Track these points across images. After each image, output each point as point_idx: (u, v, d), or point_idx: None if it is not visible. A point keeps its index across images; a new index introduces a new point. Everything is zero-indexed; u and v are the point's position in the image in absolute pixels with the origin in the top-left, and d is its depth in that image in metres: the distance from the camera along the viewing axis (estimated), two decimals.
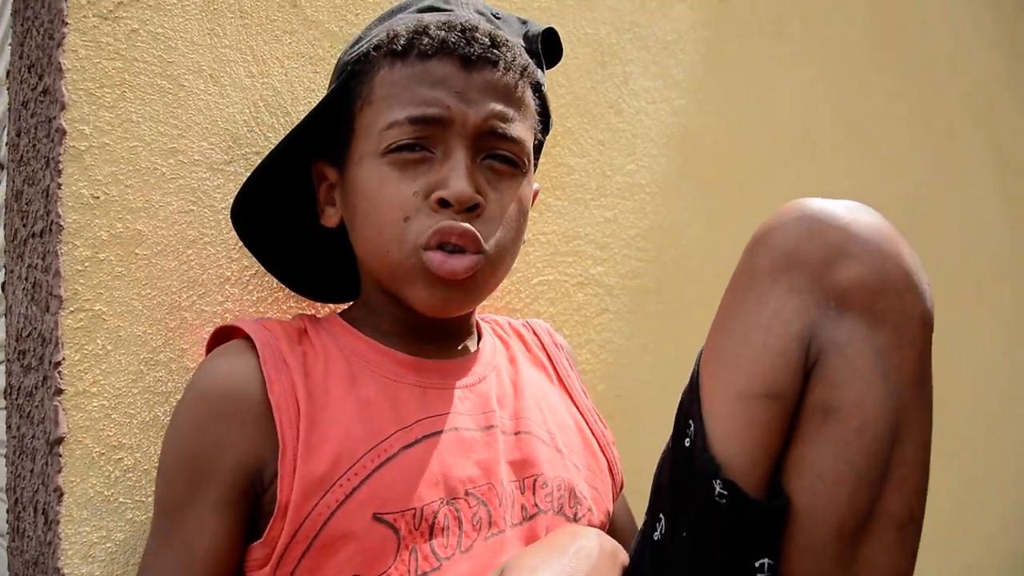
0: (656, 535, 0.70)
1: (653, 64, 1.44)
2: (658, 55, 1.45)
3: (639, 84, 1.40)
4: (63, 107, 0.80)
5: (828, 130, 1.80)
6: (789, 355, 0.65)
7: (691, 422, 0.68)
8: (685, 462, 0.68)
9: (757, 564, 0.63)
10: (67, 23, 0.81)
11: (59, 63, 0.80)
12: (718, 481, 0.64)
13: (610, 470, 0.90)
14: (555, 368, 0.96)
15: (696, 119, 1.50)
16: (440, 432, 0.77)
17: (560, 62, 1.22)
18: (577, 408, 0.93)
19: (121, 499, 0.80)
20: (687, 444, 0.68)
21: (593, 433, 0.92)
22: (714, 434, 0.66)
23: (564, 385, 0.95)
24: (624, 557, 0.73)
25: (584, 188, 1.28)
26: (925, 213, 2.04)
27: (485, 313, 1.10)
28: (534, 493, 0.79)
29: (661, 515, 0.70)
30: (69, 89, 0.80)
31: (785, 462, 0.66)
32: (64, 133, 0.80)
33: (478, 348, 0.89)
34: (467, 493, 0.75)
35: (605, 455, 0.90)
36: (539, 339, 0.99)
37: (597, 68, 1.33)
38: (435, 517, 0.73)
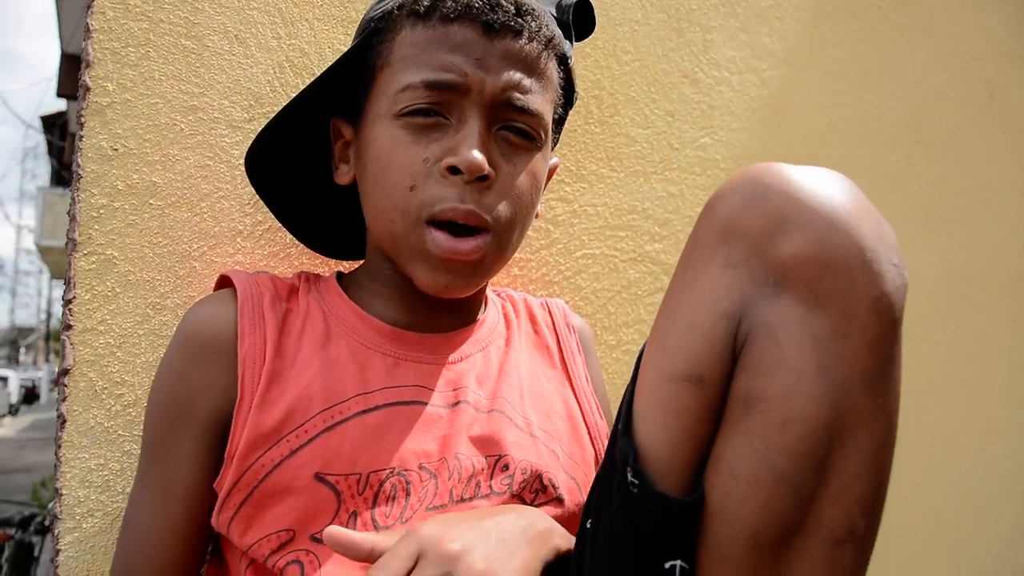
0: (588, 524, 0.66)
1: (741, 32, 1.35)
2: (748, 23, 1.36)
3: (722, 53, 1.33)
4: (88, 65, 0.86)
5: (953, 113, 1.63)
6: (714, 335, 0.58)
7: (622, 406, 0.64)
8: (611, 447, 0.64)
9: (667, 566, 0.57)
10: None
11: (87, 23, 0.86)
12: (630, 468, 0.59)
13: (597, 461, 0.86)
14: (561, 351, 0.93)
15: (789, 93, 1.40)
16: (403, 403, 0.77)
17: (626, 28, 1.18)
18: (575, 395, 0.90)
19: (120, 431, 0.85)
20: (618, 430, 0.64)
21: (586, 422, 0.88)
22: (638, 417, 0.61)
23: (567, 370, 0.92)
24: (562, 543, 0.70)
25: (646, 160, 1.23)
26: None
27: (515, 285, 1.09)
28: (492, 476, 0.77)
29: (591, 503, 0.66)
30: (95, 48, 0.86)
31: (709, 456, 0.59)
32: (88, 89, 0.86)
33: (476, 325, 0.87)
34: (420, 466, 0.74)
35: (594, 446, 0.87)
36: (552, 319, 0.96)
37: (672, 35, 1.27)
38: (381, 485, 0.72)
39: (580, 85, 1.16)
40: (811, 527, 0.56)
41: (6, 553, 5.63)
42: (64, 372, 0.83)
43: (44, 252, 16.21)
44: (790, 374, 0.55)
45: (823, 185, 0.58)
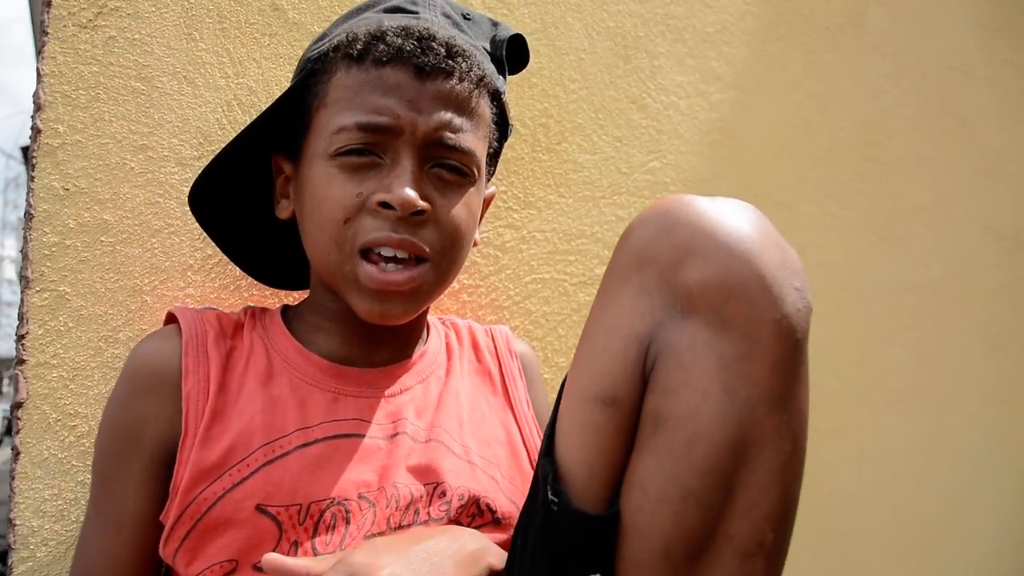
0: (518, 542, 0.69)
1: (689, 57, 1.40)
2: (696, 48, 1.41)
3: (670, 78, 1.37)
4: (39, 108, 0.89)
5: (910, 132, 1.68)
6: (626, 358, 0.62)
7: (547, 428, 0.68)
8: (537, 471, 0.68)
9: None
10: (47, 32, 0.90)
11: (39, 69, 0.89)
12: (550, 487, 0.63)
13: None
14: (503, 377, 0.96)
15: (738, 116, 1.44)
16: (342, 436, 0.80)
17: (573, 57, 1.22)
18: (516, 420, 0.93)
19: (74, 462, 0.88)
20: (541, 453, 0.67)
21: (527, 447, 0.91)
22: (559, 438, 0.65)
23: (508, 396, 0.95)
24: (496, 562, 0.73)
25: (595, 185, 1.27)
26: None
27: (465, 311, 1.12)
28: (430, 504, 0.80)
29: (520, 523, 0.70)
30: (46, 92, 0.89)
31: (624, 473, 0.63)
32: (39, 131, 0.89)
33: (417, 356, 0.90)
34: (360, 496, 0.77)
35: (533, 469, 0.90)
36: (495, 346, 0.99)
37: (619, 62, 1.31)
38: (321, 515, 0.75)
39: (527, 114, 1.21)
40: (721, 541, 0.59)
41: None
42: (18, 405, 0.86)
43: None
44: (696, 394, 0.59)
45: (728, 216, 0.62)
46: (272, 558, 0.67)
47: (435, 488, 0.81)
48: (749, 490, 0.59)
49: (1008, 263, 1.80)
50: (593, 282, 1.25)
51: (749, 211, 0.63)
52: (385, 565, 0.66)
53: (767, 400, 0.59)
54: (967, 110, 1.78)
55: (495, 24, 0.90)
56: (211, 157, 0.95)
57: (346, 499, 0.76)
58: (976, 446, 1.73)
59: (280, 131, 0.85)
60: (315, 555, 0.74)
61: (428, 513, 0.79)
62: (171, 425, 0.78)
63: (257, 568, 0.73)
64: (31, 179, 0.88)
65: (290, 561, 0.67)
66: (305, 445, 0.78)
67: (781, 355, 0.59)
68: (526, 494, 0.86)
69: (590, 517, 0.62)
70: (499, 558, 0.74)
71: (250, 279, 0.97)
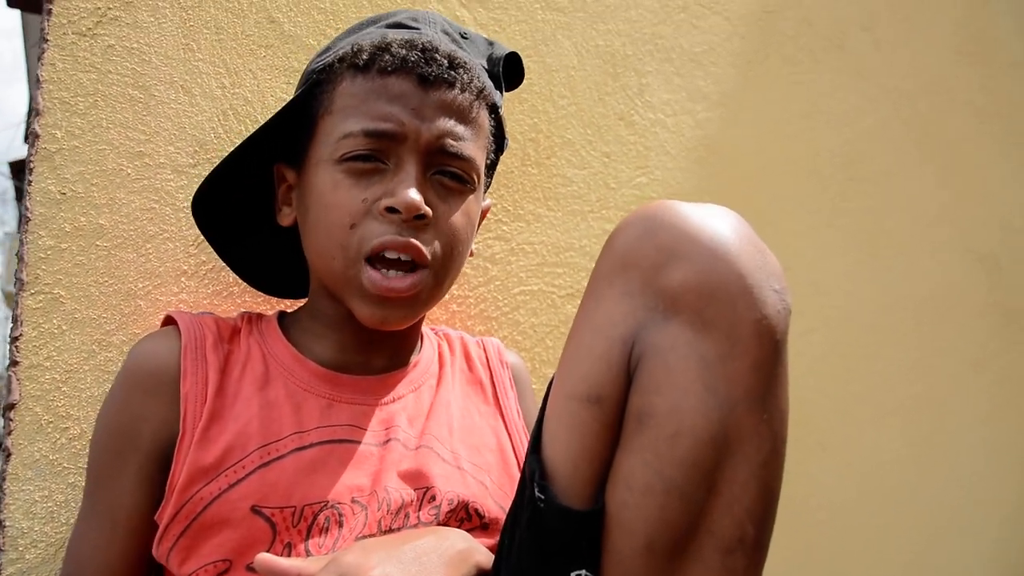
0: (506, 540, 0.71)
1: (676, 76, 1.43)
2: (683, 67, 1.43)
3: (657, 96, 1.40)
4: (38, 114, 0.90)
5: (890, 152, 1.71)
6: (611, 358, 0.63)
7: (534, 429, 0.69)
8: (524, 470, 0.69)
9: (573, 575, 0.63)
10: (47, 40, 0.92)
11: (38, 75, 0.91)
12: (536, 484, 0.64)
13: None
14: (494, 387, 0.98)
15: (723, 134, 1.47)
16: (336, 441, 0.81)
17: (563, 74, 1.25)
18: (507, 428, 0.95)
19: (65, 464, 0.89)
20: (528, 452, 0.69)
21: (516, 454, 0.93)
22: (545, 437, 0.66)
23: (499, 405, 0.97)
24: (483, 560, 0.74)
25: (583, 200, 1.29)
26: (1018, 246, 1.90)
27: (455, 322, 1.14)
28: (421, 508, 0.81)
29: (508, 522, 0.71)
30: (45, 98, 0.91)
31: (609, 470, 0.64)
32: (38, 136, 0.90)
33: (410, 366, 0.92)
34: (353, 500, 0.79)
35: None
36: (487, 357, 1.01)
37: (608, 80, 1.34)
38: (315, 517, 0.77)
39: (517, 129, 1.23)
40: (703, 536, 0.61)
41: None
42: (10, 407, 0.87)
43: (9, 298, 16.04)
44: (679, 392, 0.61)
45: (709, 220, 0.64)
46: (264, 558, 0.68)
47: (425, 493, 0.82)
48: (730, 485, 0.61)
49: (987, 283, 1.83)
50: (581, 294, 1.26)
51: (729, 216, 0.66)
52: (376, 565, 0.67)
53: (747, 399, 0.61)
54: (946, 133, 1.82)
55: (491, 43, 0.92)
56: (207, 165, 0.97)
57: (339, 502, 0.77)
58: (961, 461, 1.75)
59: (282, 140, 0.87)
60: (308, 556, 0.75)
61: (418, 517, 0.80)
62: (168, 425, 0.79)
63: (250, 568, 0.74)
64: (28, 183, 0.89)
65: (282, 561, 0.68)
66: (300, 449, 0.79)
67: (761, 355, 0.61)
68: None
69: (576, 513, 0.63)
70: (487, 557, 0.75)
71: (243, 285, 0.99)
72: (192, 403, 0.79)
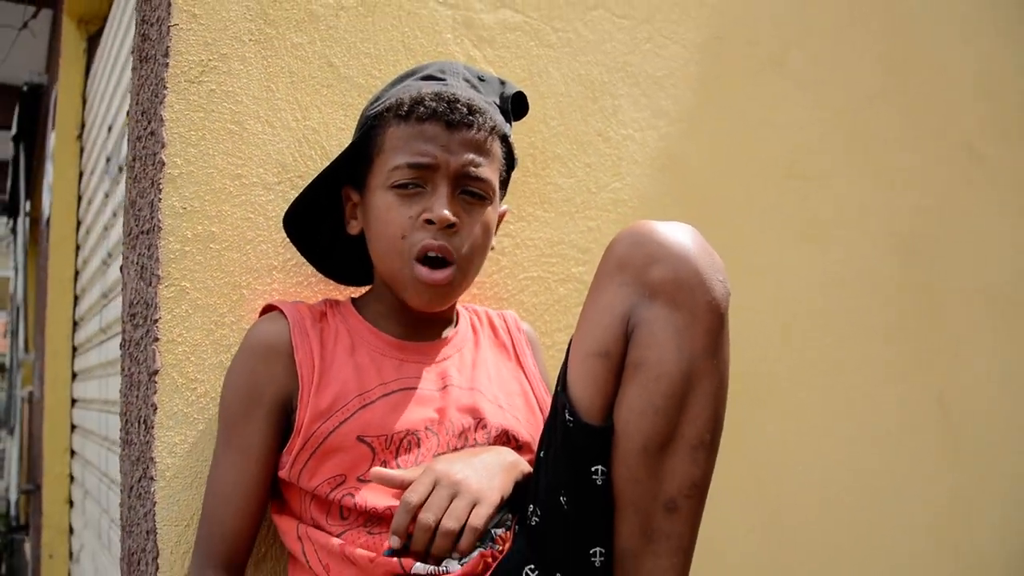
0: (541, 454, 1.00)
1: (643, 97, 1.72)
2: (648, 89, 1.73)
3: (628, 115, 1.69)
4: (163, 145, 1.17)
5: (826, 154, 2.03)
6: (615, 327, 0.93)
7: (560, 374, 0.99)
8: (554, 402, 0.99)
9: (592, 470, 0.93)
10: (167, 86, 1.18)
11: (161, 114, 1.17)
12: (567, 411, 0.94)
13: (542, 423, 1.21)
14: (515, 348, 1.28)
15: (683, 145, 1.77)
16: (409, 389, 1.11)
17: (553, 99, 1.53)
18: (527, 379, 1.25)
19: (195, 415, 1.16)
20: (558, 391, 0.98)
21: (536, 398, 1.23)
22: (570, 380, 0.96)
23: (520, 362, 1.27)
24: (526, 468, 1.05)
25: (570, 203, 1.58)
26: (936, 231, 2.24)
27: (477, 302, 1.43)
28: (475, 432, 1.11)
29: (543, 441, 1.01)
30: (167, 133, 1.17)
31: (615, 400, 0.94)
32: (164, 163, 1.16)
33: (452, 334, 1.21)
34: (426, 428, 1.08)
35: (541, 413, 1.21)
36: (507, 325, 1.31)
37: (588, 103, 1.63)
38: (401, 441, 1.07)
39: (518, 146, 1.51)
40: (678, 439, 0.92)
41: None
42: (154, 372, 1.13)
43: None
44: (660, 348, 0.91)
45: (678, 234, 0.94)
46: (378, 470, 0.98)
47: (478, 422, 1.11)
48: (694, 407, 0.92)
49: (905, 263, 2.18)
50: (571, 279, 1.56)
51: (690, 231, 0.96)
52: (458, 470, 0.97)
53: (703, 352, 0.92)
54: (873, 132, 2.15)
55: (503, 83, 1.21)
56: (288, 183, 1.24)
57: (417, 430, 1.07)
58: (878, 413, 2.09)
59: (348, 170, 1.15)
60: (399, 469, 1.04)
61: (475, 439, 1.10)
62: (285, 385, 1.08)
63: (360, 479, 1.03)
64: (159, 199, 1.15)
65: (392, 472, 0.98)
66: (385, 395, 1.08)
67: (711, 323, 0.92)
68: (536, 430, 1.18)
69: (595, 428, 0.93)
70: (528, 467, 1.06)
71: (319, 277, 1.26)
72: (306, 368, 1.07)
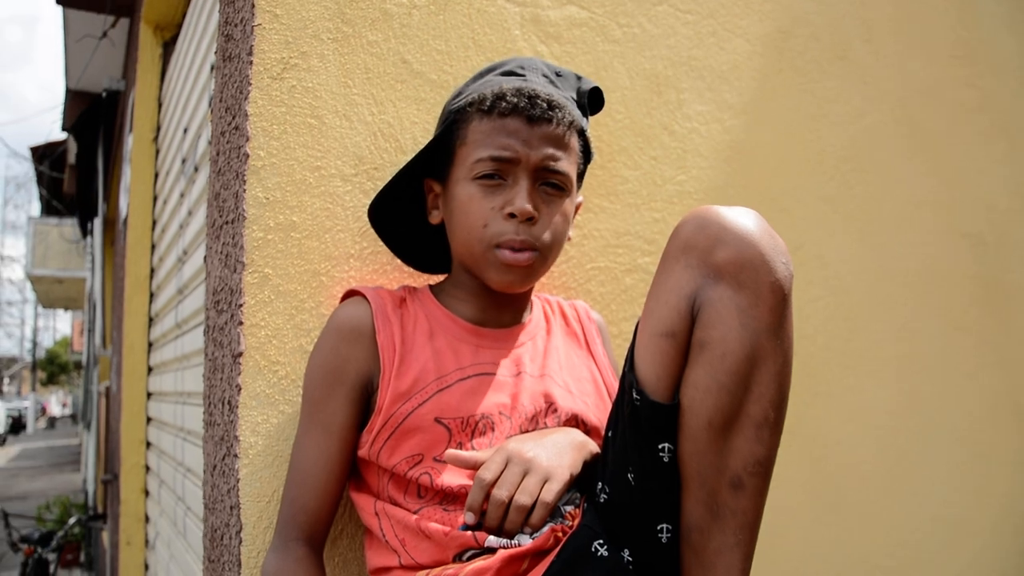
0: (609, 434, 1.03)
1: (707, 91, 1.74)
2: (712, 83, 1.75)
3: (692, 108, 1.71)
4: (248, 139, 1.22)
5: (887, 148, 2.02)
6: (681, 308, 0.95)
7: (627, 355, 1.01)
8: (621, 382, 1.01)
9: (659, 447, 0.95)
10: (251, 83, 1.23)
11: (245, 110, 1.23)
12: (634, 389, 0.97)
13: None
14: (585, 337, 1.31)
15: (747, 138, 1.78)
16: (484, 374, 1.15)
17: (618, 93, 1.56)
18: (597, 366, 1.28)
19: (276, 396, 1.21)
20: (625, 371, 1.01)
21: (605, 384, 1.26)
22: (637, 360, 0.98)
23: (590, 350, 1.29)
24: (594, 448, 1.07)
25: (636, 195, 1.61)
26: (1002, 225, 2.21)
27: (546, 291, 1.46)
28: (546, 416, 1.15)
29: (611, 422, 1.03)
30: (251, 127, 1.22)
31: (681, 379, 0.96)
32: (248, 156, 1.22)
33: (526, 321, 1.25)
34: (500, 412, 1.12)
35: (609, 398, 1.23)
36: (578, 315, 1.34)
37: (653, 96, 1.65)
38: (476, 424, 1.10)
39: None
40: (743, 417, 0.93)
41: (29, 567, 5.90)
42: (239, 355, 1.19)
43: (35, 281, 16.43)
44: (725, 327, 0.93)
45: (741, 218, 0.96)
46: (452, 452, 1.02)
47: (549, 407, 1.14)
48: (759, 385, 0.94)
49: (970, 258, 2.15)
50: (636, 269, 1.58)
51: (753, 214, 0.98)
52: (529, 449, 1.00)
53: (767, 331, 0.93)
54: (936, 127, 2.13)
55: (579, 78, 1.24)
56: (365, 174, 1.29)
57: (491, 414, 1.10)
58: (948, 408, 2.07)
59: (431, 162, 1.19)
60: (474, 450, 1.07)
61: (545, 423, 1.13)
62: (367, 366, 1.12)
63: (436, 459, 1.07)
64: (244, 191, 1.21)
65: (467, 453, 1.01)
66: (462, 380, 1.12)
67: (774, 303, 0.93)
68: (604, 414, 1.20)
69: (662, 406, 0.95)
70: (596, 447, 1.09)
71: (395, 264, 1.31)
72: (387, 351, 1.12)
